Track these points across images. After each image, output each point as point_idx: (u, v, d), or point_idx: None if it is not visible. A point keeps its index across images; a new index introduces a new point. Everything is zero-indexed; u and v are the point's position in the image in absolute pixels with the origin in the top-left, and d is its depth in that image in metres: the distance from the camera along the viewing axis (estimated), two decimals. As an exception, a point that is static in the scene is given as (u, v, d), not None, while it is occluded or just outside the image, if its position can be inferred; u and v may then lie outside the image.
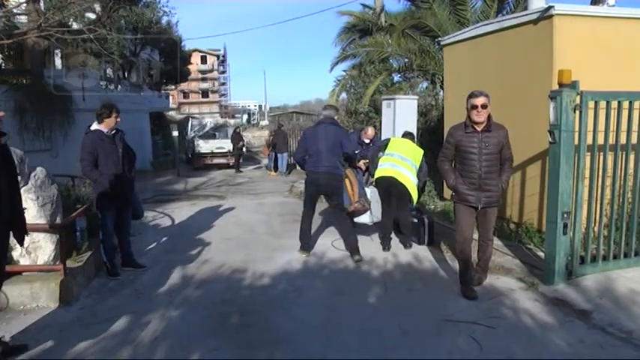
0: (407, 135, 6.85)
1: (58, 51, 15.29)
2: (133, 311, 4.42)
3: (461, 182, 4.56)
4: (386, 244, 6.43)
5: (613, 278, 4.74)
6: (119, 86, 20.01)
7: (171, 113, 37.92)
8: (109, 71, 20.44)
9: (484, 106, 4.40)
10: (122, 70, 22.59)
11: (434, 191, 9.63)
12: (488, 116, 4.48)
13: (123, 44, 16.22)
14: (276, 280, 5.26)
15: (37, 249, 4.83)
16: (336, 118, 6.33)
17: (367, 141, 8.14)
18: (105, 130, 5.38)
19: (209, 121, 22.91)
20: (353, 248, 6.03)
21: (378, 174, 6.44)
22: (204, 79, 73.81)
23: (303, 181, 6.53)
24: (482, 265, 4.96)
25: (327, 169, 6.01)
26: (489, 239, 4.80)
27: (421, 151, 6.53)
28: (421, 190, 6.63)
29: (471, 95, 4.44)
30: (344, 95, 17.66)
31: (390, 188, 6.32)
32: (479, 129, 4.44)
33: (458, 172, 4.63)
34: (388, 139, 6.85)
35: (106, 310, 4.47)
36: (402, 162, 6.35)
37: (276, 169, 16.89)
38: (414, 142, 6.71)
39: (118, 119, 5.47)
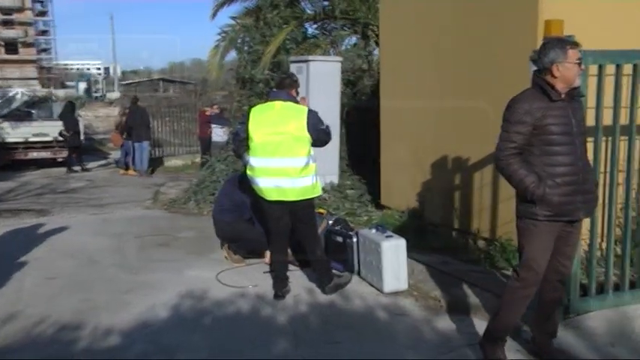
0: (280, 90, 5.94)
1: None
2: None
3: (551, 186, 4.01)
4: (280, 287, 6.08)
5: (631, 316, 4.91)
6: None
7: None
8: None
9: None
10: None
11: (367, 195, 9.75)
12: None
13: None
14: (131, 338, 5.12)
15: None
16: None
17: None
18: None
19: (20, 92, 21.87)
20: None
21: (256, 189, 5.98)
22: (7, 23, 70.59)
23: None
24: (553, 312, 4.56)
25: None
26: (570, 267, 4.49)
27: (304, 121, 5.72)
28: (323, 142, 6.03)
29: (568, 43, 4.04)
30: (233, 54, 17.47)
31: (278, 211, 6.02)
32: (564, 97, 4.10)
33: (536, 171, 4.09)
34: (248, 116, 5.97)
35: None
36: (285, 171, 5.78)
37: (131, 165, 16.62)
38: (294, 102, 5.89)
39: None
